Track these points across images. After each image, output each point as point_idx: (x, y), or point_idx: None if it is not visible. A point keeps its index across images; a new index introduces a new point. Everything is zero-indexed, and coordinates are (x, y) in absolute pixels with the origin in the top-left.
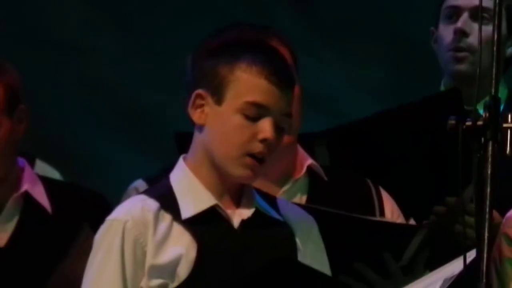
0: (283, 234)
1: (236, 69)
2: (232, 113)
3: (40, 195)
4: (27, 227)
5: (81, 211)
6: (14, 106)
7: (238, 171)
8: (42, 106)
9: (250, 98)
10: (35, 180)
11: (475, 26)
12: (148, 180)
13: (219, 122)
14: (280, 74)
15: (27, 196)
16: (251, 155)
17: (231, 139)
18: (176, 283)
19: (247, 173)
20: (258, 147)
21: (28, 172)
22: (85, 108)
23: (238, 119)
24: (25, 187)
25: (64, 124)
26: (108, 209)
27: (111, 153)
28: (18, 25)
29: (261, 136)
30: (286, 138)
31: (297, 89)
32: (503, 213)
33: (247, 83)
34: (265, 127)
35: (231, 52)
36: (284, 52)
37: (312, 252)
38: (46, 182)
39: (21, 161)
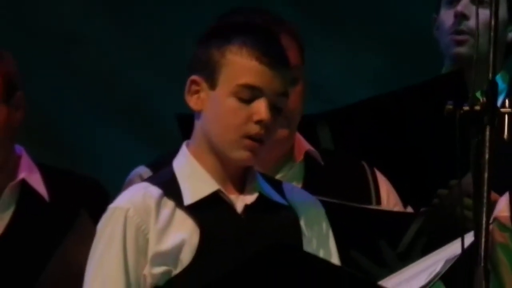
0: (287, 219)
1: (227, 53)
2: (226, 96)
3: (37, 183)
4: (24, 215)
5: (78, 198)
6: (12, 93)
7: (237, 154)
8: (39, 96)
9: (243, 80)
10: (32, 168)
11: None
12: (151, 166)
13: (215, 107)
14: (271, 54)
15: (24, 184)
16: (249, 137)
17: (226, 122)
18: (179, 269)
19: (247, 155)
20: (254, 129)
21: (25, 159)
22: (82, 96)
23: (232, 102)
24: (22, 175)
25: (61, 113)
26: (106, 196)
27: (110, 141)
28: (15, 15)
29: (256, 117)
30: (283, 132)
31: (300, 87)
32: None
33: (238, 65)
34: (260, 108)
35: (221, 36)
36: (294, 49)
37: (318, 237)
38: (43, 169)
39: (18, 148)
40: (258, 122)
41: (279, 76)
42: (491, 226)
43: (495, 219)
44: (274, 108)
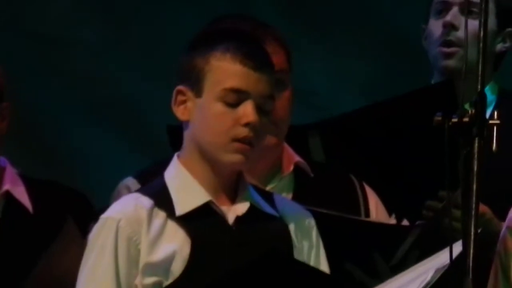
0: (278, 230)
1: (211, 59)
2: (212, 102)
3: (22, 195)
4: (8, 227)
5: (63, 211)
6: None
7: (229, 158)
8: (23, 99)
9: (228, 84)
10: (16, 180)
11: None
12: (138, 177)
13: (202, 114)
14: (255, 57)
15: (8, 195)
16: (238, 140)
17: (215, 127)
18: (170, 280)
19: (238, 158)
20: (243, 132)
21: (9, 171)
22: (68, 100)
23: (218, 107)
24: (6, 186)
25: (46, 117)
26: (91, 209)
27: (96, 146)
28: (1, 18)
29: (243, 120)
30: (272, 139)
31: (287, 92)
32: (497, 208)
33: (222, 70)
34: (246, 111)
35: (205, 44)
36: (280, 53)
37: (308, 248)
38: (28, 181)
39: (2, 160)
40: (246, 124)
41: (264, 78)
42: (503, 234)
43: (508, 227)
44: (261, 111)
